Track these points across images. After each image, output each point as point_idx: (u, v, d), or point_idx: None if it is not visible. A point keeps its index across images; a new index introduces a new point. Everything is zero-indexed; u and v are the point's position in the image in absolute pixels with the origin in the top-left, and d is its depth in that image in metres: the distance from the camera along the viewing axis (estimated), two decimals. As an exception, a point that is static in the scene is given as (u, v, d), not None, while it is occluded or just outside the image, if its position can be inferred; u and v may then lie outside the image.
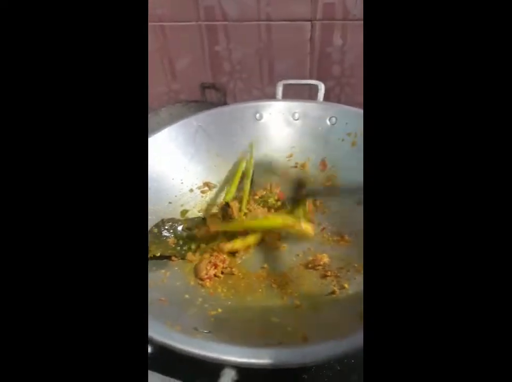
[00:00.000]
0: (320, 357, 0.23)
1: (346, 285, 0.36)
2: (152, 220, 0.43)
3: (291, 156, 0.52)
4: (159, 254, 0.40)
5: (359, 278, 0.36)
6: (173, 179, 0.48)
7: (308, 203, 0.47)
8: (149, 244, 0.40)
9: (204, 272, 0.38)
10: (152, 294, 0.33)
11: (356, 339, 0.24)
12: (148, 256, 0.39)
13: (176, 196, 0.48)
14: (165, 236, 0.43)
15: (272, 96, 0.54)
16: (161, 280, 0.37)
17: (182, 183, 0.49)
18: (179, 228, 0.44)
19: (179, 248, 0.42)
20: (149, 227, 0.42)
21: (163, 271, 0.39)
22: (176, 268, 0.40)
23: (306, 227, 0.40)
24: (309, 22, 0.58)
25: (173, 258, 0.41)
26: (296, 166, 0.52)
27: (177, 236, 0.43)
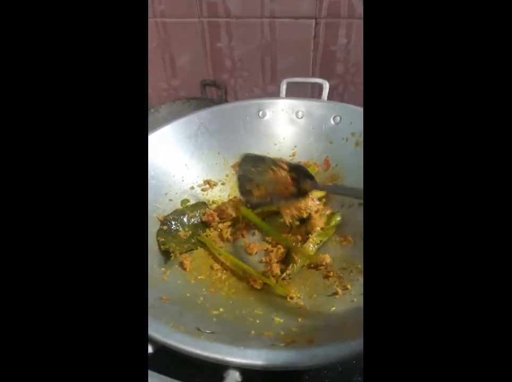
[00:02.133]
0: (327, 359, 0.23)
1: (349, 286, 0.35)
2: (152, 217, 0.43)
3: (294, 155, 0.52)
4: (176, 251, 0.40)
5: (362, 280, 0.36)
6: (174, 176, 0.48)
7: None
8: (167, 243, 0.41)
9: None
10: (153, 293, 0.32)
11: (361, 341, 0.24)
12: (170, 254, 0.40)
13: (176, 193, 0.47)
14: (175, 230, 0.43)
15: (273, 95, 0.54)
16: (162, 279, 0.37)
17: (183, 180, 0.48)
18: (185, 219, 0.45)
19: (192, 239, 0.43)
20: (157, 227, 0.42)
21: (163, 269, 0.38)
22: (176, 266, 0.39)
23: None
24: (313, 20, 0.57)
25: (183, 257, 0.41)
26: (298, 165, 0.51)
27: (185, 227, 0.44)
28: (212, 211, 0.46)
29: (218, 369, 0.23)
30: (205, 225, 0.45)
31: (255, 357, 0.23)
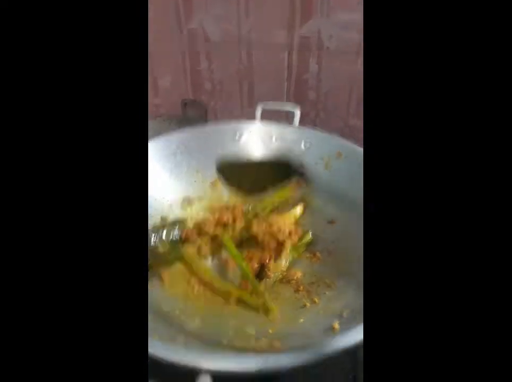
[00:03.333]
0: (291, 364, 0.25)
1: (316, 300, 0.38)
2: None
3: (268, 176, 0.55)
4: (154, 266, 0.42)
5: (329, 293, 0.39)
6: (153, 193, 0.50)
7: None
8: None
9: None
10: (131, 306, 0.34)
11: (317, 350, 0.26)
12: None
13: (156, 210, 0.49)
14: (154, 246, 0.44)
15: (251, 116, 0.57)
16: (140, 293, 0.38)
17: (163, 198, 0.50)
18: (163, 235, 0.46)
19: (171, 255, 0.45)
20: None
21: (141, 283, 0.40)
22: (153, 280, 0.41)
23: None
24: (286, 51, 0.62)
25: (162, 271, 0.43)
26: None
27: (163, 243, 0.45)
28: (191, 229, 0.47)
29: (191, 373, 0.25)
30: (184, 241, 0.47)
31: (224, 362, 0.25)
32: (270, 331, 0.34)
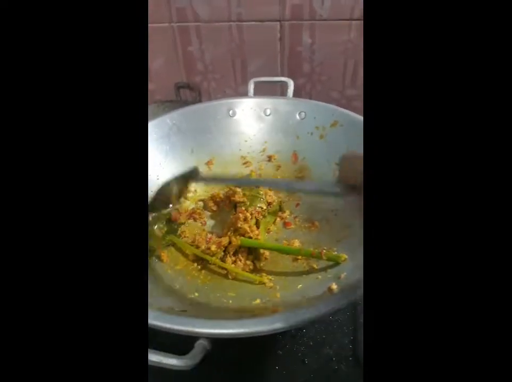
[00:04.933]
0: (286, 325, 0.25)
1: (315, 266, 0.38)
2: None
3: (264, 150, 0.54)
4: (154, 246, 0.43)
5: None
6: (149, 175, 0.50)
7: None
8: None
9: None
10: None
11: (314, 310, 0.26)
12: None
13: (151, 192, 0.49)
14: (151, 228, 0.45)
15: (245, 94, 0.56)
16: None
17: (158, 179, 0.50)
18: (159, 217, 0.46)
19: (167, 237, 0.45)
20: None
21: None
22: (154, 258, 0.41)
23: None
24: (278, 22, 0.60)
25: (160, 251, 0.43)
26: (269, 160, 0.54)
27: (159, 224, 0.45)
28: (179, 211, 0.47)
29: (190, 339, 0.25)
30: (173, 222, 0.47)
31: (221, 327, 0.25)
32: (268, 298, 0.34)
